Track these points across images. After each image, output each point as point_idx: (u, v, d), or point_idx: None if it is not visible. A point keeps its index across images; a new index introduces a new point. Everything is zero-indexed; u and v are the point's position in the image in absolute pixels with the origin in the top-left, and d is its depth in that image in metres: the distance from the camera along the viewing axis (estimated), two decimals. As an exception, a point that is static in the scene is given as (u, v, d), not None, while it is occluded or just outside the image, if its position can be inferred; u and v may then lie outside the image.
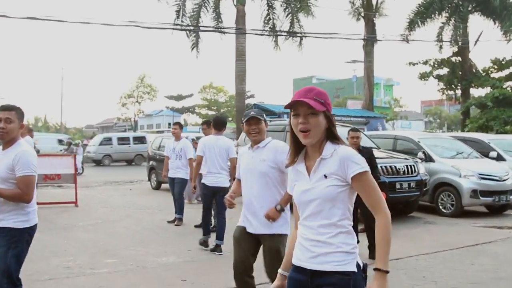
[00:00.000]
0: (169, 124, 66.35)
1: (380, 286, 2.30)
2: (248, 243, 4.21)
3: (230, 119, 55.45)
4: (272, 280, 3.62)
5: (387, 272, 2.31)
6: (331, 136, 2.42)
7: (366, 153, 7.33)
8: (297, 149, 2.48)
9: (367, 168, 2.36)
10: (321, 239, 2.38)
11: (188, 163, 9.66)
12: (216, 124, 7.75)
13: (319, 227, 2.39)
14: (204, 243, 7.65)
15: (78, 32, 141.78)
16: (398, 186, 9.95)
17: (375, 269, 2.33)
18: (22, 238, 3.88)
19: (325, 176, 2.36)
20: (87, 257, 7.16)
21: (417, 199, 10.65)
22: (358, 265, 2.38)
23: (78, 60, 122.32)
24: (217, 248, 7.39)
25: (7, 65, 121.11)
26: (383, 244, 2.37)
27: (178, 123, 10.26)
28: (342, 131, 12.06)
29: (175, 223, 9.69)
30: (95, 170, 27.28)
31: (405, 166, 10.22)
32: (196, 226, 9.14)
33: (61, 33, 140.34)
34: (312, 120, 2.36)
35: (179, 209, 9.80)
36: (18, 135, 3.97)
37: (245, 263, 4.22)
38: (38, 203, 11.84)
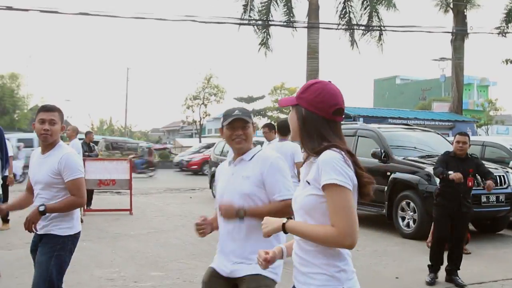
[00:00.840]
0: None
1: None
2: None
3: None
4: None
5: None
6: (308, 136, 2.35)
7: (474, 162, 7.13)
8: None
9: (340, 182, 2.14)
10: (304, 256, 2.31)
11: None
12: (280, 128, 7.79)
13: (302, 242, 2.31)
14: None
15: (139, 31, 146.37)
16: (484, 199, 9.44)
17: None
18: (65, 246, 3.99)
19: (308, 183, 2.27)
20: (133, 269, 7.24)
21: (508, 214, 10.06)
22: None
23: (143, 60, 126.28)
24: None
25: (71, 65, 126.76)
26: (310, 230, 2.22)
27: (268, 125, 10.01)
28: (419, 135, 11.84)
29: None
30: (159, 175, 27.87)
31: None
32: None
33: (122, 32, 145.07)
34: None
35: None
36: (59, 138, 4.10)
37: None
38: (92, 210, 12.24)
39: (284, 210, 3.17)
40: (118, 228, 10.56)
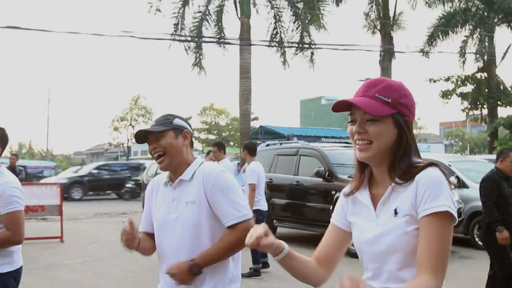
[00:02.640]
0: (165, 149, 66.23)
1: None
2: None
3: (232, 143, 55.34)
4: None
5: None
6: (407, 151, 1.82)
7: None
8: (361, 169, 1.93)
9: (452, 211, 1.71)
10: None
11: None
12: (252, 150, 8.86)
13: (398, 276, 1.79)
14: (256, 272, 8.31)
15: (65, 48, 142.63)
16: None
17: None
18: (8, 285, 3.58)
19: (396, 213, 1.78)
20: (73, 303, 6.71)
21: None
22: None
23: (65, 80, 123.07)
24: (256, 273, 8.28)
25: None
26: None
27: (217, 144, 9.66)
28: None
29: None
30: (81, 201, 26.86)
31: (437, 194, 9.75)
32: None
33: (47, 49, 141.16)
34: (371, 128, 1.80)
35: None
36: None
37: None
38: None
39: (240, 237, 2.52)
40: (50, 257, 9.90)
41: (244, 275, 8.00)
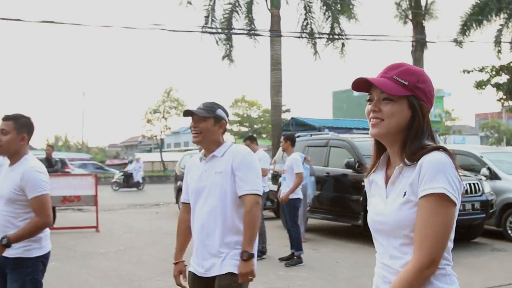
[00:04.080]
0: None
1: None
2: None
3: (264, 135, 55.40)
4: None
5: None
6: (418, 134, 1.89)
7: None
8: (378, 151, 2.03)
9: (447, 192, 1.77)
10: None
11: None
12: (294, 141, 9.07)
13: (401, 267, 1.87)
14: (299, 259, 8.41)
15: (99, 42, 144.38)
16: (460, 207, 9.43)
17: None
18: (36, 268, 3.67)
19: (405, 194, 1.85)
20: (108, 289, 6.93)
21: (482, 222, 10.12)
22: None
23: (100, 73, 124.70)
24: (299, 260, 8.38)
25: (25, 79, 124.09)
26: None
27: None
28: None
29: None
30: (120, 192, 27.30)
31: (468, 185, 9.70)
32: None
33: (81, 42, 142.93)
34: (386, 108, 1.89)
35: None
36: (22, 149, 3.75)
37: None
38: (55, 228, 11.83)
39: (249, 208, 3.27)
40: (86, 246, 10.17)
41: (289, 263, 8.19)
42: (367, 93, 1.97)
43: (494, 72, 25.87)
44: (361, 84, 1.95)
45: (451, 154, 1.85)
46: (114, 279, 7.52)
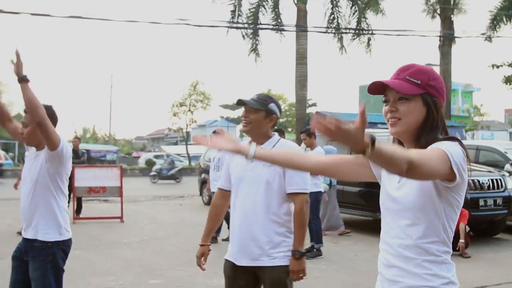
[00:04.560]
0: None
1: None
2: (244, 280, 3.47)
3: (290, 129, 55.42)
4: None
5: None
6: (433, 128, 2.04)
7: None
8: (398, 144, 2.15)
9: (448, 152, 1.87)
10: (404, 267, 2.02)
11: None
12: (315, 135, 9.05)
13: (402, 248, 2.03)
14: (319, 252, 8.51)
15: (126, 36, 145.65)
16: (482, 203, 9.46)
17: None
18: (57, 254, 3.81)
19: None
20: (131, 277, 7.12)
21: (505, 218, 10.10)
22: None
23: (126, 66, 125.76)
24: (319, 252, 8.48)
25: (55, 73, 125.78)
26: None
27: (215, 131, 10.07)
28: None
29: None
30: (142, 183, 27.67)
31: (490, 180, 9.70)
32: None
33: (108, 37, 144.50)
34: (402, 107, 2.03)
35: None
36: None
37: None
38: (81, 218, 12.08)
39: (300, 208, 3.35)
40: (111, 236, 10.41)
41: (309, 256, 8.34)
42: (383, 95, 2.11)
43: (523, 67, 25.52)
44: (377, 87, 2.09)
45: (463, 145, 1.98)
46: (137, 268, 7.71)
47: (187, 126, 46.11)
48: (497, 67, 25.73)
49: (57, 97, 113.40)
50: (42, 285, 3.73)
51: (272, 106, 3.46)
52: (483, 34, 25.02)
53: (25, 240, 3.86)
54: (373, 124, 21.88)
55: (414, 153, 1.77)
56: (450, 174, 1.89)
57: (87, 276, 7.07)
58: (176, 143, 68.37)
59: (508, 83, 25.67)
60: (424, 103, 2.03)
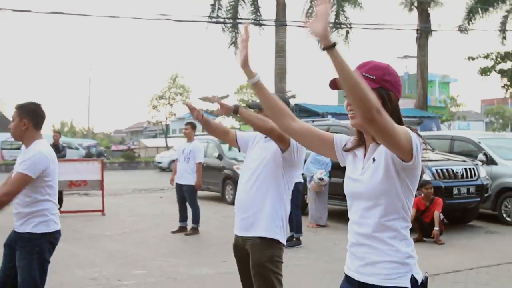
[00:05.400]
0: (203, 128, 66.90)
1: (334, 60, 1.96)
2: (245, 252, 3.72)
3: (269, 121, 55.63)
4: None
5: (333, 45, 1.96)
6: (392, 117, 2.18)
7: None
8: (359, 134, 2.38)
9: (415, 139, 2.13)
10: (368, 243, 2.25)
11: (196, 168, 9.84)
12: None
13: (367, 227, 2.25)
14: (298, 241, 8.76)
15: (105, 30, 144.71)
16: (455, 191, 9.76)
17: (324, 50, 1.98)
18: (43, 245, 3.96)
19: (374, 160, 2.24)
20: (114, 268, 7.26)
21: (477, 206, 10.43)
22: (414, 280, 2.21)
23: (106, 60, 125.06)
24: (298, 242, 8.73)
25: (31, 66, 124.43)
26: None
27: (190, 123, 10.19)
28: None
29: (187, 232, 9.84)
30: (121, 176, 27.67)
31: (464, 170, 10.00)
32: None
33: (88, 31, 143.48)
34: None
35: (195, 218, 9.94)
36: (28, 134, 4.02)
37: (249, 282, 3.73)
38: (63, 212, 12.13)
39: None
40: (93, 229, 10.52)
41: (288, 245, 8.53)
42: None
43: (499, 59, 25.95)
44: (337, 83, 2.25)
45: (418, 133, 2.20)
46: (119, 259, 7.85)
47: (166, 119, 46.13)
48: (473, 59, 26.19)
49: (35, 91, 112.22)
50: (27, 274, 3.88)
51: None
52: (459, 26, 25.41)
53: (15, 232, 4.03)
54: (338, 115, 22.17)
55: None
56: (408, 154, 2.12)
57: (71, 268, 7.20)
58: (155, 136, 68.23)
59: (484, 75, 26.14)
60: (379, 96, 2.18)
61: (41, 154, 3.91)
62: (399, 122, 2.23)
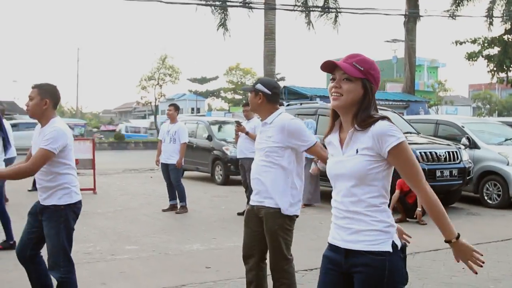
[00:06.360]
0: (192, 109, 67.04)
1: (460, 251, 2.63)
2: (255, 222, 4.26)
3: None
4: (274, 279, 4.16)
5: (457, 237, 2.61)
6: (367, 107, 2.52)
7: None
8: (333, 118, 2.66)
9: (403, 138, 2.44)
10: (352, 216, 2.52)
11: (180, 147, 10.08)
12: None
13: (351, 204, 2.53)
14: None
15: (94, 9, 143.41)
16: (438, 173, 10.05)
17: (446, 242, 2.60)
18: (68, 215, 4.31)
19: (357, 151, 2.49)
20: (107, 244, 7.50)
21: (460, 188, 10.73)
22: (394, 245, 2.51)
23: (95, 40, 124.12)
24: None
25: (20, 45, 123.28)
26: (439, 217, 2.64)
27: (174, 105, 10.47)
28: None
29: (178, 210, 10.10)
30: (111, 155, 27.78)
31: (447, 153, 10.29)
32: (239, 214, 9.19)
33: (77, 10, 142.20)
34: (345, 86, 2.50)
35: (181, 196, 10.20)
36: (47, 113, 4.29)
37: (252, 247, 4.31)
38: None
39: None
40: (85, 206, 10.29)
41: None
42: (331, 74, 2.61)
43: (486, 44, 26.16)
44: (329, 66, 2.59)
45: (392, 121, 2.51)
46: (112, 235, 8.08)
47: (155, 99, 46.12)
48: (460, 43, 26.37)
49: (23, 70, 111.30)
50: (56, 241, 4.25)
51: (259, 86, 4.20)
52: (447, 11, 25.59)
53: (40, 204, 4.34)
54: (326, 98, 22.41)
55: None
56: None
57: (65, 243, 7.40)
58: (144, 117, 68.16)
59: (471, 59, 26.37)
60: (362, 86, 2.52)
61: (61, 131, 4.20)
62: (376, 110, 2.56)
